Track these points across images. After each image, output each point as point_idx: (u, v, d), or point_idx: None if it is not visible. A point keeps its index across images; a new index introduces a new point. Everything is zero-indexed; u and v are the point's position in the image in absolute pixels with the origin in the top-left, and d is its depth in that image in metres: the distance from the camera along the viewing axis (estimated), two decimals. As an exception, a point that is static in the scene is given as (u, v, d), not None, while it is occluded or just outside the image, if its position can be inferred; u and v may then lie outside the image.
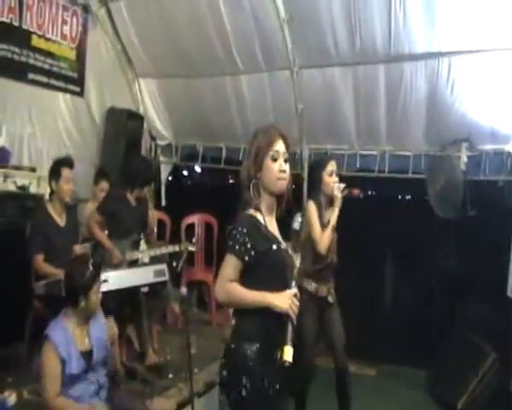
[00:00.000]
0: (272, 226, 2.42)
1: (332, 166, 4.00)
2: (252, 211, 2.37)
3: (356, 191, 3.96)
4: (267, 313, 2.27)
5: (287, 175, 2.38)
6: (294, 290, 2.31)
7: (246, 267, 2.31)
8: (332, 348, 4.04)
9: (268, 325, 2.30)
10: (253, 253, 2.28)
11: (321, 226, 3.89)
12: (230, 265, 2.31)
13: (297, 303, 2.28)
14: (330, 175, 3.97)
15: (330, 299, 4.00)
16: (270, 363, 2.27)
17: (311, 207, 3.93)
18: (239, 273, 2.32)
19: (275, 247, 2.34)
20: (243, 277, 2.33)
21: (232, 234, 2.31)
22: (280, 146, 2.39)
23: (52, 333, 3.04)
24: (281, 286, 2.32)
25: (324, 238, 3.82)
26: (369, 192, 7.14)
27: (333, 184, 3.92)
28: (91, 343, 3.17)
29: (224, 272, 2.33)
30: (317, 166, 4.13)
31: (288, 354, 2.19)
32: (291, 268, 2.41)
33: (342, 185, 3.92)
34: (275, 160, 2.36)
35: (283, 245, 2.42)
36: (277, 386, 2.34)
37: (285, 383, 2.40)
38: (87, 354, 3.13)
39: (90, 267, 3.16)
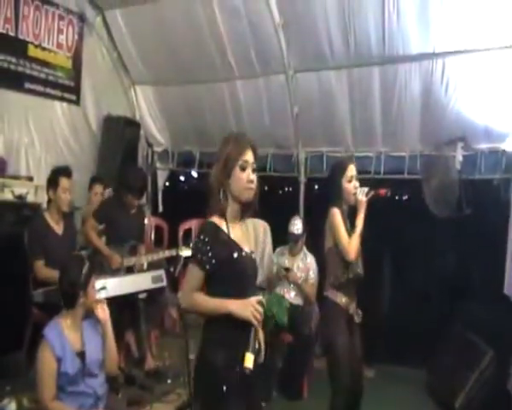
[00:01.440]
0: (236, 233, 2.47)
1: (351, 170, 3.73)
2: (216, 218, 2.43)
3: (383, 191, 3.75)
4: (231, 320, 2.32)
5: (254, 185, 2.44)
6: (259, 297, 2.36)
7: (209, 275, 2.37)
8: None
9: (233, 332, 2.34)
10: (213, 261, 2.35)
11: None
12: (193, 274, 2.39)
13: (260, 310, 2.32)
14: (350, 181, 3.70)
15: (357, 319, 3.70)
16: (235, 369, 2.31)
17: (337, 215, 3.64)
18: (203, 281, 2.39)
19: (235, 255, 2.39)
20: (208, 284, 2.40)
21: (195, 243, 2.40)
22: (249, 156, 2.44)
23: (47, 332, 3.10)
24: (244, 292, 2.38)
25: (352, 245, 3.56)
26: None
27: (354, 190, 3.69)
28: (84, 345, 3.19)
29: (187, 282, 2.44)
30: (335, 173, 3.82)
31: (249, 361, 2.24)
32: (253, 275, 2.51)
33: (365, 189, 3.70)
34: (243, 169, 2.41)
35: (246, 251, 2.47)
36: (243, 392, 2.37)
37: (254, 388, 2.44)
38: (81, 355, 3.15)
39: (86, 262, 3.26)
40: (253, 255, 2.53)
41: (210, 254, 2.34)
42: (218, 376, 2.33)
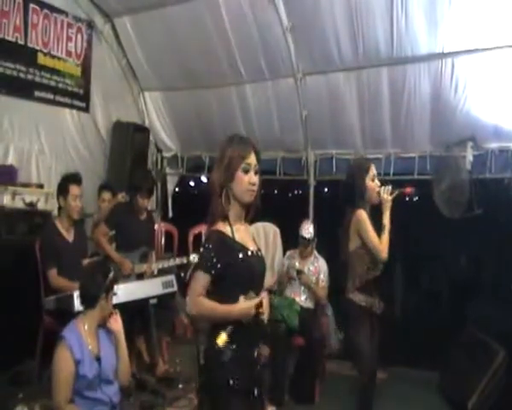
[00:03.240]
0: (240, 234, 2.49)
1: (373, 170, 3.80)
2: (219, 225, 2.45)
3: (409, 190, 3.83)
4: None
5: (256, 187, 2.46)
6: (260, 298, 2.39)
7: (215, 279, 2.40)
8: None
9: (240, 326, 2.37)
10: (219, 265, 2.37)
11: None
12: (199, 280, 2.41)
13: (262, 310, 2.36)
14: (373, 180, 3.77)
15: (378, 311, 3.83)
16: (246, 363, 2.37)
17: (364, 217, 3.68)
18: (208, 286, 2.41)
19: (241, 255, 2.43)
20: (217, 288, 2.42)
21: (200, 252, 2.44)
22: (252, 158, 2.46)
23: (66, 334, 3.08)
24: (251, 290, 2.41)
25: (384, 245, 3.64)
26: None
27: (378, 189, 3.76)
28: (100, 350, 3.18)
29: (192, 288, 2.44)
30: (357, 173, 3.82)
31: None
32: (260, 273, 2.54)
33: (389, 187, 3.76)
34: (246, 172, 2.43)
35: (251, 250, 2.50)
36: (254, 387, 2.43)
37: (262, 384, 2.48)
38: (98, 360, 3.14)
39: (112, 270, 3.31)
40: (259, 253, 2.55)
41: (215, 260, 2.37)
42: (225, 369, 2.35)
